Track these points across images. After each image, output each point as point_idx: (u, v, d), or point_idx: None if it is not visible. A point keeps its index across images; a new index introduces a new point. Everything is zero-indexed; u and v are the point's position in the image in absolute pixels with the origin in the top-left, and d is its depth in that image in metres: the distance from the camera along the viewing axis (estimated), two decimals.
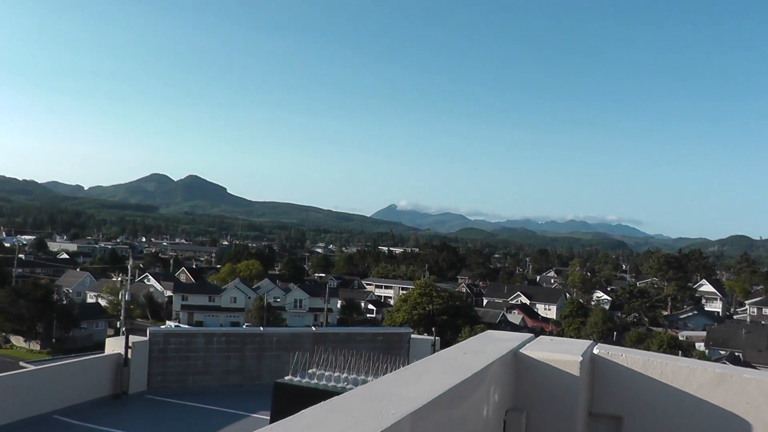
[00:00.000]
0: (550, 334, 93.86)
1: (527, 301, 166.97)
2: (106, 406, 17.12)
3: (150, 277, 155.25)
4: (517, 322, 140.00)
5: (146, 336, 18.74)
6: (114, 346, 18.13)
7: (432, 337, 21.33)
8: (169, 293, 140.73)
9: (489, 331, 7.31)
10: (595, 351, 6.24)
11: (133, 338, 18.21)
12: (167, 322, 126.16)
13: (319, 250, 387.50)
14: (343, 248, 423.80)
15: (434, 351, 21.00)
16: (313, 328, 21.01)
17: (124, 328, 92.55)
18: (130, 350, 17.77)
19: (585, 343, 6.55)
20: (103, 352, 18.31)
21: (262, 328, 20.55)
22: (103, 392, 17.41)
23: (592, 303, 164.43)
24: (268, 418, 16.49)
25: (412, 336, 21.61)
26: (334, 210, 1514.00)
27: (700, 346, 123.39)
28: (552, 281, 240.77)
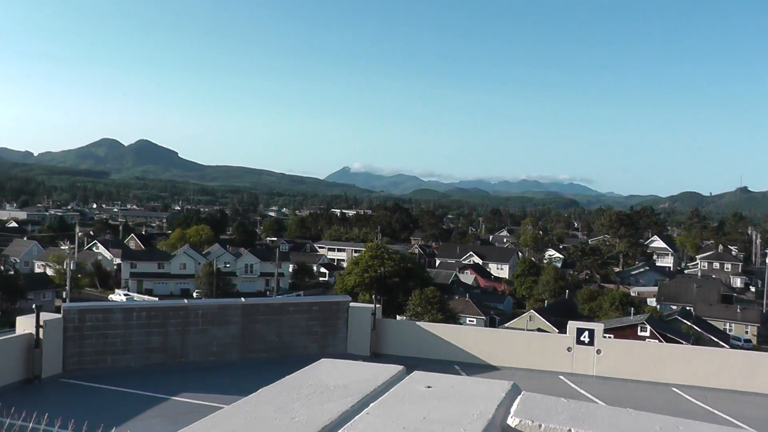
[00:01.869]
0: (503, 293, 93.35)
1: (480, 261, 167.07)
2: (17, 392, 15.70)
3: (99, 244, 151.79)
4: (470, 282, 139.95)
5: (60, 313, 17.30)
6: (25, 325, 16.63)
7: (371, 306, 20.13)
8: (118, 261, 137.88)
9: (324, 362, 5.30)
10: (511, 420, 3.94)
11: (44, 316, 16.74)
12: (116, 291, 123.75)
13: (272, 214, 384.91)
14: (297, 212, 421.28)
15: (374, 319, 19.91)
16: (243, 299, 19.67)
17: (68, 298, 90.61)
18: (41, 329, 16.29)
19: (493, 392, 4.34)
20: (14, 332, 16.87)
21: (186, 301, 19.11)
22: (13, 377, 16.00)
23: (545, 261, 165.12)
24: (192, 401, 15.33)
25: (351, 305, 20.41)
26: (287, 173, 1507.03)
27: (652, 301, 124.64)
28: (505, 241, 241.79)
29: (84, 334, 17.24)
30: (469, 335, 20.18)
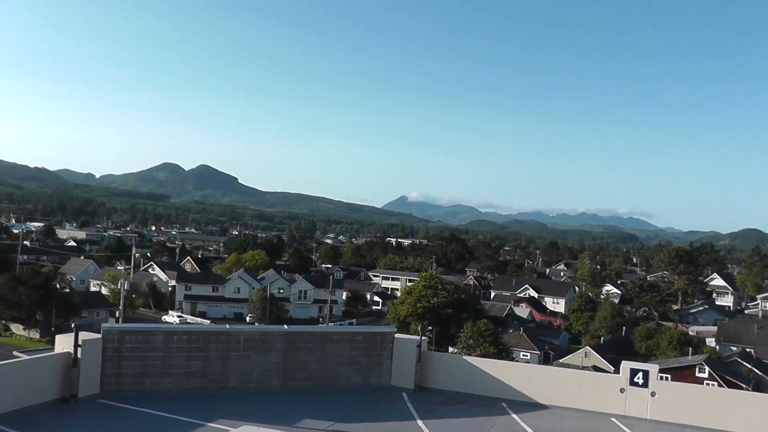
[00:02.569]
0: (558, 328, 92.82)
1: (535, 295, 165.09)
2: (53, 411, 15.48)
3: (155, 266, 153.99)
4: (525, 316, 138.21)
5: (100, 333, 17.08)
6: (63, 344, 16.45)
7: (417, 337, 19.57)
8: (173, 283, 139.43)
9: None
10: None
11: (83, 335, 16.53)
12: (170, 312, 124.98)
13: (329, 241, 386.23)
14: (353, 239, 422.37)
15: (419, 352, 19.34)
16: (285, 327, 19.24)
17: (120, 318, 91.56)
18: (79, 349, 16.08)
19: None
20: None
21: (228, 326, 18.77)
22: (49, 395, 15.78)
23: (602, 297, 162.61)
24: (228, 428, 14.94)
25: (396, 336, 19.87)
26: (344, 201, 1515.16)
27: (711, 341, 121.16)
28: (561, 274, 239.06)
29: (123, 355, 16.98)
30: (517, 372, 19.45)
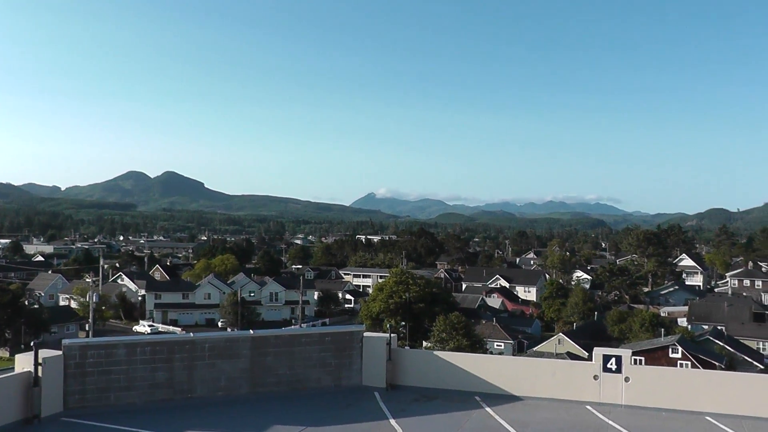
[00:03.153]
0: (531, 317, 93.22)
1: (507, 284, 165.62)
2: None
3: (124, 276, 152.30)
4: (497, 306, 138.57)
5: (60, 350, 16.59)
6: (24, 363, 15.94)
7: (387, 335, 19.27)
8: (142, 292, 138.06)
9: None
10: None
11: (44, 353, 16.03)
12: (141, 322, 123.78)
13: (298, 242, 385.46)
14: (323, 239, 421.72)
15: (390, 349, 19.07)
16: (251, 332, 18.86)
17: (90, 331, 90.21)
18: (40, 367, 15.59)
19: None
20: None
21: (192, 334, 18.34)
22: (10, 417, 15.27)
23: (573, 283, 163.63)
24: None
25: (366, 334, 19.55)
26: (313, 201, 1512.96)
27: (683, 321, 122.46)
28: (532, 263, 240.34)
29: (86, 371, 16.52)
30: (490, 364, 19.23)
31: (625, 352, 18.41)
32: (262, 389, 18.22)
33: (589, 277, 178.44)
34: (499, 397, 18.13)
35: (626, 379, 17.84)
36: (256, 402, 17.65)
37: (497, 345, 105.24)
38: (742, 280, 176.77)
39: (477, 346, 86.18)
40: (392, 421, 16.05)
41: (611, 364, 18.00)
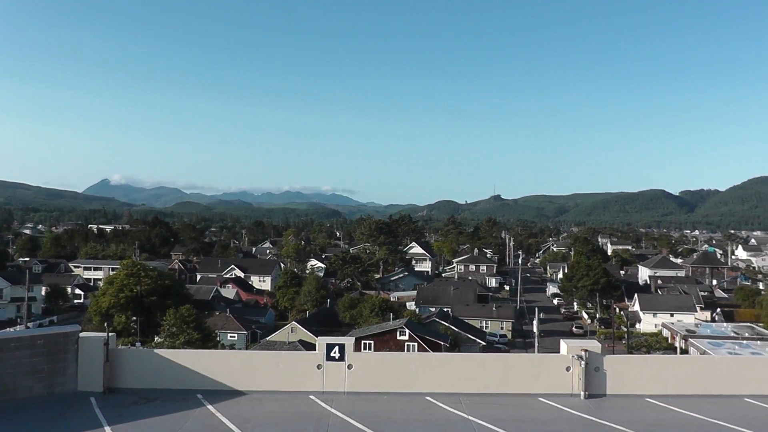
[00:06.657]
0: (265, 306, 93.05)
1: (242, 274, 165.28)
2: None
3: None
4: (232, 297, 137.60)
5: None
6: None
7: (104, 335, 18.20)
8: None
9: None
10: None
11: None
12: None
13: (28, 232, 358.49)
14: (53, 228, 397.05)
15: (107, 350, 18.05)
16: None
17: None
18: None
19: None
20: None
21: None
22: None
23: (307, 271, 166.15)
24: None
25: (81, 335, 18.33)
26: (44, 186, 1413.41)
27: (411, 305, 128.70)
28: (268, 252, 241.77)
29: None
30: (212, 360, 18.82)
31: (348, 340, 18.81)
32: None
33: (323, 266, 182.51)
34: (222, 393, 17.81)
35: (349, 367, 18.21)
36: None
37: (231, 336, 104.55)
38: (468, 265, 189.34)
39: (209, 338, 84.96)
40: (107, 429, 15.16)
41: (335, 353, 18.31)
